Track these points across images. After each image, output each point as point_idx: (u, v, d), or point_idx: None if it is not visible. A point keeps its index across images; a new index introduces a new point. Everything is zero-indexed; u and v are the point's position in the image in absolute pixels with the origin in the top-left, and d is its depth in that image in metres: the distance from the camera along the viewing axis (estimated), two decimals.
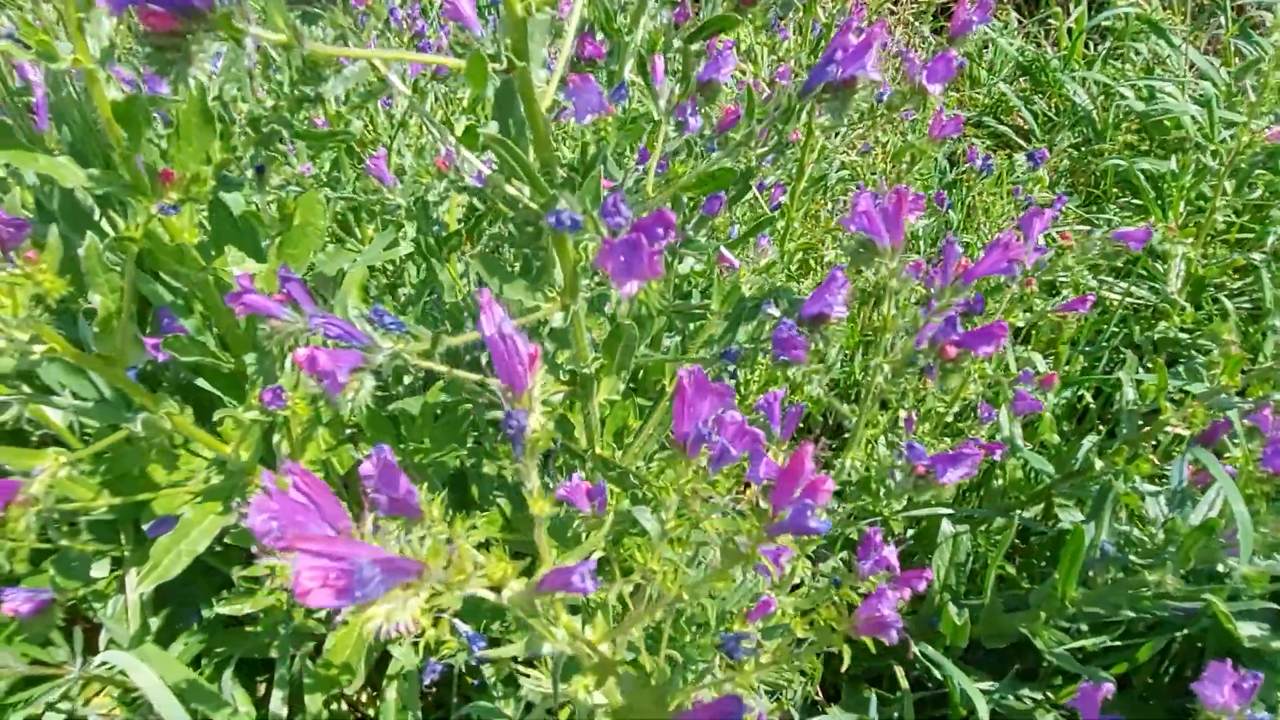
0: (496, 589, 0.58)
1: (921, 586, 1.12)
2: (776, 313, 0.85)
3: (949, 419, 1.95)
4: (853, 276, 1.94)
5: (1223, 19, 4.23)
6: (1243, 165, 2.27)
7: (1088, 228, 3.14)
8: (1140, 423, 1.84)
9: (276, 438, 1.23)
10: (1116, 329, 2.81)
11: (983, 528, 2.13)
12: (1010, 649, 1.84)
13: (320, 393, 1.05)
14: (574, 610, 0.75)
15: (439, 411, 1.36)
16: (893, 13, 5.82)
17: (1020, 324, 1.60)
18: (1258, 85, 2.16)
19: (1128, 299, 2.78)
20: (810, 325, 0.85)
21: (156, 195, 0.89)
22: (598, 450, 1.23)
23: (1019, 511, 2.06)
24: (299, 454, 1.25)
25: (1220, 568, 1.53)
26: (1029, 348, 2.80)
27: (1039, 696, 1.73)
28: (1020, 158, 4.00)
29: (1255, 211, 2.79)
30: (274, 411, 1.03)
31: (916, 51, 4.51)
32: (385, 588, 0.42)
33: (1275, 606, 1.50)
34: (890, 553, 0.94)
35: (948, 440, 2.11)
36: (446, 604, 0.65)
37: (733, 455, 0.93)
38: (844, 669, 0.98)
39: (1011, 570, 2.11)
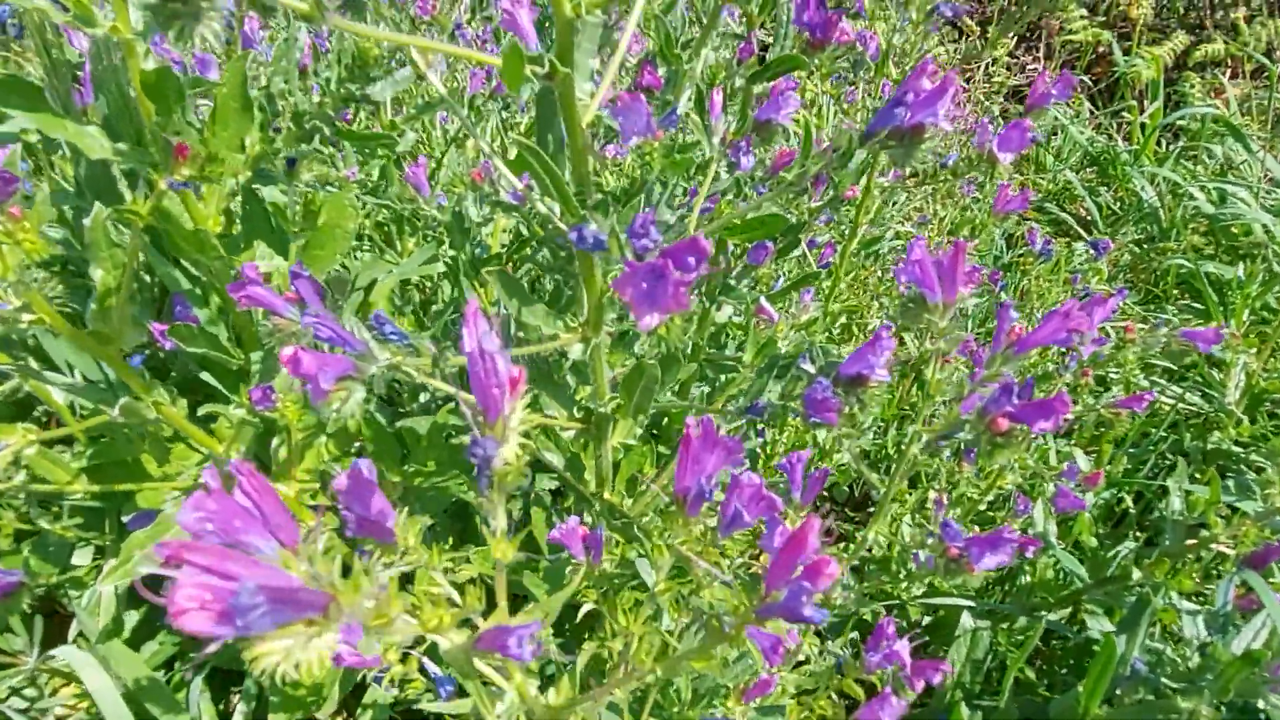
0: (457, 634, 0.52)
1: (937, 679, 1.04)
2: (812, 370, 0.78)
3: (982, 506, 1.85)
4: (899, 336, 1.86)
5: None
6: None
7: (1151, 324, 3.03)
8: (1185, 535, 1.73)
9: (276, 441, 1.18)
10: (1165, 434, 2.69)
11: (1004, 625, 2.02)
12: None
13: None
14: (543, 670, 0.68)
15: (448, 434, 1.31)
16: (964, 89, 5.80)
17: (1069, 416, 1.51)
18: None
19: (1180, 404, 2.67)
20: (847, 387, 0.79)
21: (168, 170, 0.85)
22: (607, 496, 1.16)
23: (1045, 613, 1.95)
24: (297, 461, 1.19)
25: (1261, 704, 1.42)
26: (1071, 442, 2.70)
27: None
28: (1080, 246, 3.91)
29: None
30: (263, 412, 0.98)
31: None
32: (273, 621, 0.36)
33: None
34: (903, 647, 0.86)
35: (976, 528, 2.01)
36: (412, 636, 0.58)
37: (746, 520, 0.86)
38: None
39: (1030, 674, 1.99)
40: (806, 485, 1.10)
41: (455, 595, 0.82)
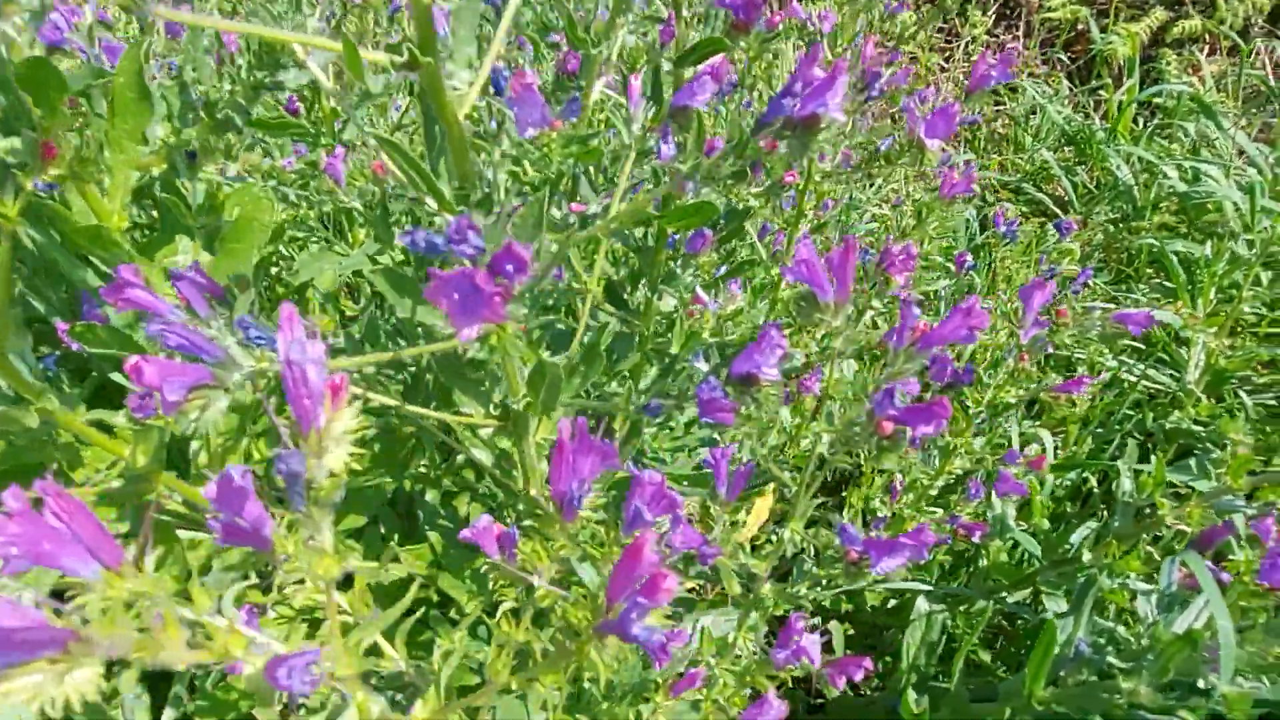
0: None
1: (859, 676, 1.03)
2: (705, 367, 0.77)
3: (933, 492, 1.85)
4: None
5: (1277, 105, 4.12)
6: (1277, 256, 2.17)
7: (1098, 305, 3.03)
8: (1136, 516, 1.73)
9: (196, 444, 1.16)
10: (1131, 413, 2.69)
11: (964, 608, 2.02)
12: None
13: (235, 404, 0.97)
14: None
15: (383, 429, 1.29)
16: (943, 69, 5.77)
17: (1012, 400, 1.50)
18: None
19: (1149, 384, 2.66)
20: (739, 386, 0.77)
21: (37, 171, 0.83)
22: (532, 492, 1.15)
23: (1006, 595, 1.95)
24: (218, 465, 1.17)
25: (1202, 683, 1.41)
26: (1038, 424, 2.69)
27: None
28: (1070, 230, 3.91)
29: None
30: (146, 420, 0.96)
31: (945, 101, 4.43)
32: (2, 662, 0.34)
33: None
34: (811, 643, 0.85)
35: (940, 510, 2.00)
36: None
37: (647, 519, 0.85)
38: None
39: (986, 657, 1.99)
40: (733, 480, 1.09)
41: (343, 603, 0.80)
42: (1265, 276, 2.77)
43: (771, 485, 2.41)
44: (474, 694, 0.58)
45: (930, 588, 1.92)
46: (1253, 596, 1.50)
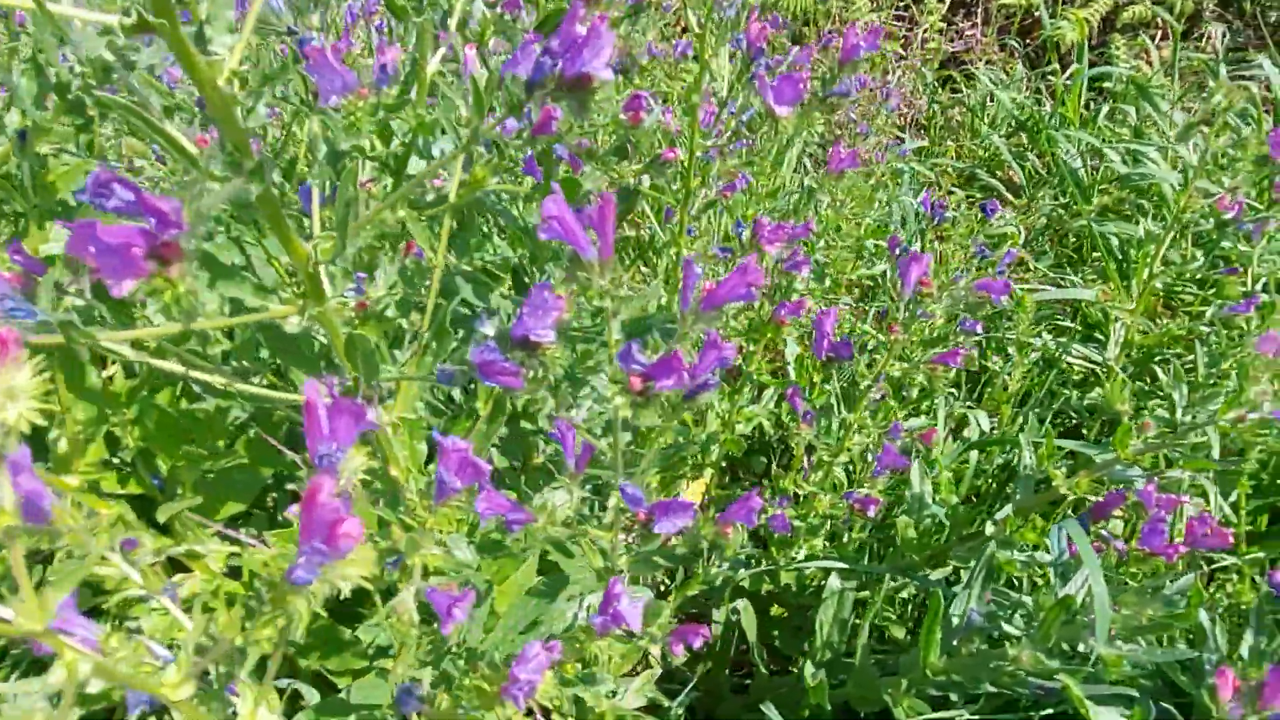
0: None
1: (697, 643, 1.03)
2: (490, 332, 0.77)
3: (839, 470, 1.86)
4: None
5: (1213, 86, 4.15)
6: (1183, 228, 2.19)
7: (1042, 288, 3.06)
8: (1036, 488, 1.75)
9: (55, 433, 1.16)
10: (1066, 391, 2.71)
11: (880, 586, 2.03)
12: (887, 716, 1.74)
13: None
14: None
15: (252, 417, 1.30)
16: (902, 57, 5.78)
17: (896, 373, 1.51)
18: (1201, 150, 2.08)
19: (1083, 362, 2.69)
20: (523, 349, 0.78)
21: None
22: (391, 471, 1.15)
23: (927, 573, 1.96)
24: (79, 454, 1.18)
25: (1083, 648, 1.43)
26: (979, 405, 2.72)
27: None
28: (1006, 213, 3.94)
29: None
30: None
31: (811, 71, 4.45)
32: None
33: (1134, 694, 1.39)
34: (630, 609, 0.86)
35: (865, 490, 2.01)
36: None
37: (454, 487, 0.85)
38: None
39: (900, 633, 2.01)
40: (583, 451, 1.10)
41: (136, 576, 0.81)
42: (1199, 255, 2.80)
43: (710, 471, 2.42)
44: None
45: (844, 566, 1.93)
46: (1136, 562, 1.52)
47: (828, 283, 2.55)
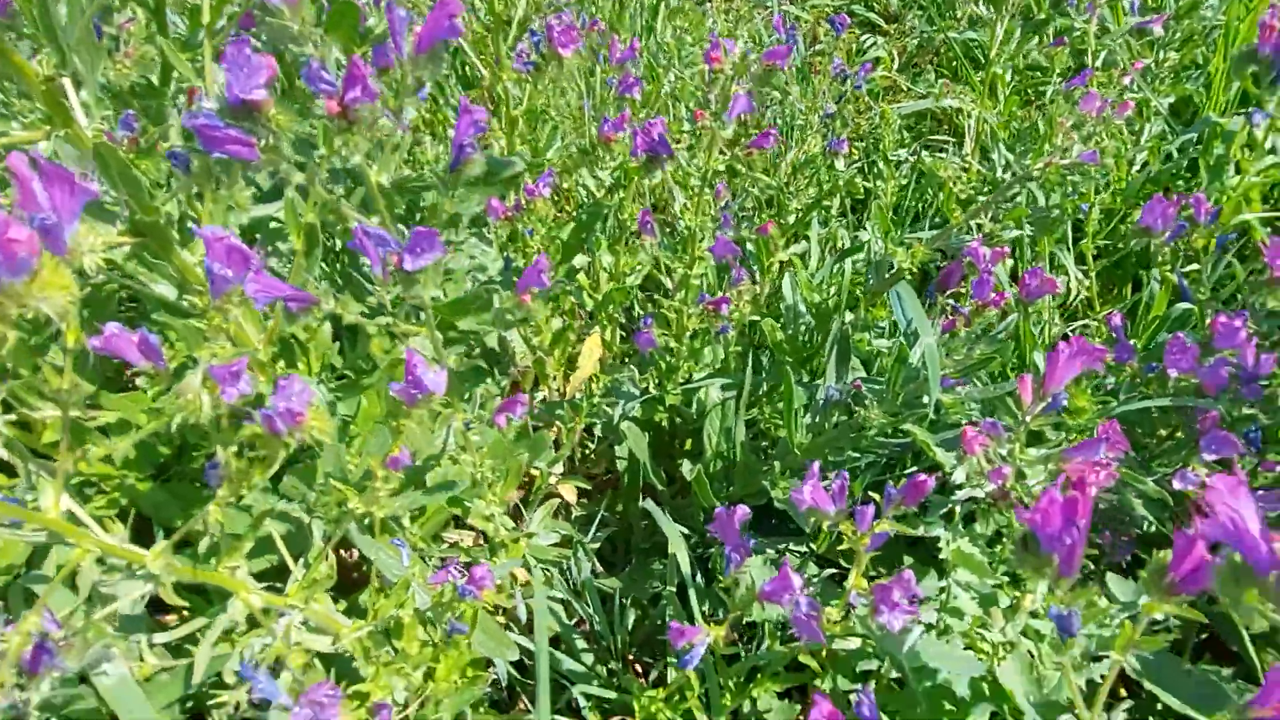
0: None
1: (518, 412, 1.09)
2: (212, 104, 0.78)
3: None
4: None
5: None
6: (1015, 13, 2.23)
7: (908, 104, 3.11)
8: (884, 271, 1.82)
9: None
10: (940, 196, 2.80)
11: (764, 395, 2.12)
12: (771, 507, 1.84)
13: None
14: None
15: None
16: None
17: (720, 168, 1.55)
18: None
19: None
20: (246, 116, 0.79)
21: None
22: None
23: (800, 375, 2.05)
24: None
25: (925, 400, 1.52)
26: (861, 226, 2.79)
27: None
28: (867, 38, 3.97)
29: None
30: None
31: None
32: None
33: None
34: (433, 377, 0.91)
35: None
36: None
37: (224, 277, 0.88)
38: None
39: (782, 433, 2.10)
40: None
41: None
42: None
43: (605, 327, 2.47)
44: None
45: (723, 380, 2.00)
46: (976, 316, 1.60)
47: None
